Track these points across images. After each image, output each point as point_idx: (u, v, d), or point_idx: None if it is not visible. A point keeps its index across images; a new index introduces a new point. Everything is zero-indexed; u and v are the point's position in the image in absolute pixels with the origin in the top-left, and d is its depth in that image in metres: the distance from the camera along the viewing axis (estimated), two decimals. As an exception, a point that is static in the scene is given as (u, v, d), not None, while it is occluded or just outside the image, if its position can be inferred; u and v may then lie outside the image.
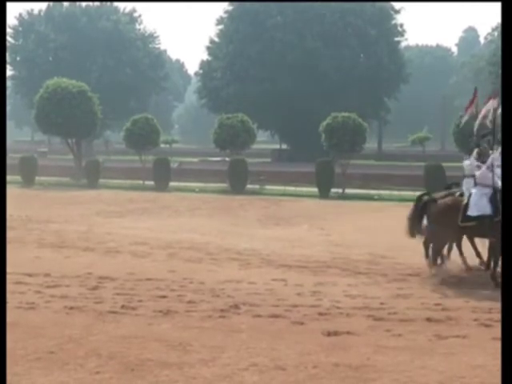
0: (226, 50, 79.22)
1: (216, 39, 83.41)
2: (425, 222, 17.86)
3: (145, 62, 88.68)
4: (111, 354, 11.19)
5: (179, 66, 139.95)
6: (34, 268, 17.67)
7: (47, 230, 25.08)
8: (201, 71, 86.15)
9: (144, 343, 11.66)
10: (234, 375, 10.28)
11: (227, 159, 47.56)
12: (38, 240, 22.64)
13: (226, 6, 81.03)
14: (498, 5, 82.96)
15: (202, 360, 10.91)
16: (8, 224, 19.90)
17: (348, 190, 39.88)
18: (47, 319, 13.03)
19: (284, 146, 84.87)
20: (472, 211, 16.46)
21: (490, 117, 18.02)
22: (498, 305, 14.29)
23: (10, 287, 14.54)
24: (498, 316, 13.45)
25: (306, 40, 73.33)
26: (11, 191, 33.80)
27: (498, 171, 16.07)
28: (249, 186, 42.09)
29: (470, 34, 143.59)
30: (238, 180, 41.66)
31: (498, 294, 15.23)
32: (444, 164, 38.57)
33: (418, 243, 22.12)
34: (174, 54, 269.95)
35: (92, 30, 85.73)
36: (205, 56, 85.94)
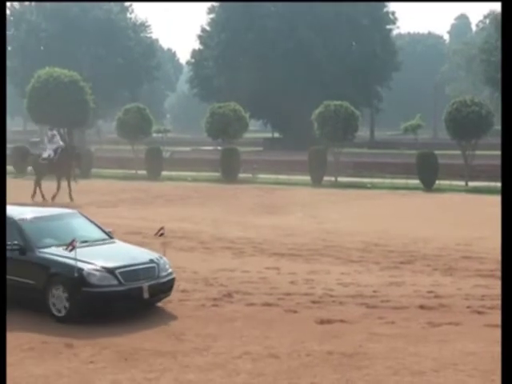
0: (217, 39, 78.98)
1: (208, 28, 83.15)
2: None
3: (136, 51, 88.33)
4: (105, 343, 11.21)
5: (171, 55, 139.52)
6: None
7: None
8: (192, 60, 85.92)
9: (138, 332, 11.68)
10: (227, 363, 10.30)
11: (219, 148, 47.48)
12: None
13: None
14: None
15: (195, 349, 10.93)
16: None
17: (340, 179, 39.89)
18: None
19: (276, 135, 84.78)
20: None
21: None
22: (490, 292, 14.35)
23: None
24: (491, 303, 13.50)
25: (298, 29, 73.16)
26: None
27: None
28: (241, 175, 42.05)
29: (462, 21, 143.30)
30: (230, 169, 41.61)
31: (490, 281, 15.31)
32: (436, 152, 38.59)
33: (409, 231, 22.22)
34: (165, 43, 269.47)
35: (83, 20, 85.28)
36: (196, 45, 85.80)
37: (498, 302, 13.35)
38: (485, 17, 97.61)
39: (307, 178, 39.60)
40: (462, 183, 37.00)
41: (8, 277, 12.10)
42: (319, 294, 14.22)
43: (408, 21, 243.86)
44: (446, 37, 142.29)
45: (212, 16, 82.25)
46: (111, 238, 14.18)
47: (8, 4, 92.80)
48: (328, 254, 18.48)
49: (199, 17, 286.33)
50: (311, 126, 42.68)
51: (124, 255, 13.24)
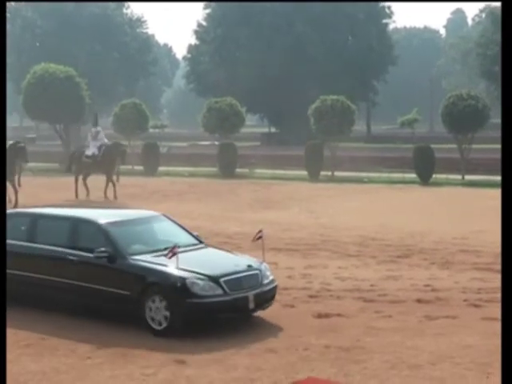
0: (214, 34, 78.91)
1: (204, 23, 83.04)
2: None
3: (132, 47, 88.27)
4: (102, 340, 11.21)
5: (167, 51, 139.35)
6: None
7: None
8: (189, 55, 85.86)
9: (134, 329, 11.67)
10: (225, 359, 10.31)
11: (216, 143, 47.47)
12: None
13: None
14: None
15: (192, 344, 10.93)
16: None
17: (337, 173, 39.89)
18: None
19: (273, 130, 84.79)
20: None
21: None
22: (487, 285, 14.37)
23: None
24: (488, 296, 13.53)
25: (295, 23, 73.11)
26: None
27: None
28: (238, 170, 42.02)
29: (458, 15, 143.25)
30: (227, 164, 41.58)
31: (487, 275, 15.33)
32: (433, 145, 38.59)
33: (406, 225, 22.24)
34: (161, 38, 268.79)
35: (79, 16, 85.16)
36: (193, 40, 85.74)
37: (495, 295, 13.39)
38: (481, 11, 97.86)
39: (304, 172, 39.60)
40: (459, 177, 37.03)
41: (96, 286, 11.76)
42: (316, 288, 14.24)
43: (404, 15, 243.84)
44: (442, 31, 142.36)
45: (208, 11, 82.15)
46: (201, 242, 13.17)
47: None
48: (325, 249, 18.50)
49: (195, 12, 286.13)
50: (308, 121, 42.67)
51: (224, 262, 12.29)
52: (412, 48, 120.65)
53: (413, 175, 36.48)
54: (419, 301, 13.31)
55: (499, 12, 60.65)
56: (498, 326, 11.25)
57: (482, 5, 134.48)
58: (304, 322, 12.02)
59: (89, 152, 31.21)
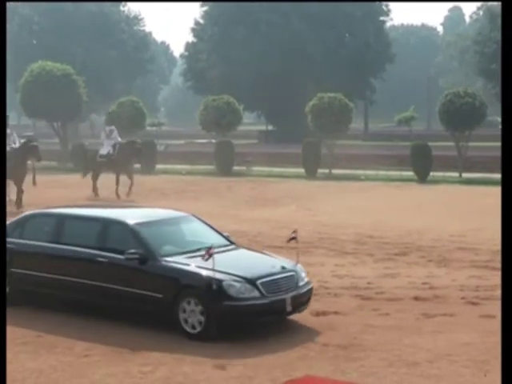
0: (211, 32, 78.80)
1: (201, 21, 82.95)
2: None
3: (130, 45, 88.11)
4: (100, 337, 11.20)
5: (164, 49, 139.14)
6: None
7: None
8: (186, 53, 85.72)
9: (132, 327, 11.67)
10: (223, 356, 10.30)
11: (214, 141, 47.42)
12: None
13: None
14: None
15: (191, 342, 10.93)
16: None
17: (335, 171, 39.86)
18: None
19: (270, 128, 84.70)
20: None
21: None
22: (484, 283, 14.38)
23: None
24: (485, 294, 13.53)
25: (292, 21, 73.05)
26: None
27: None
28: (236, 168, 42.00)
29: (455, 13, 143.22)
30: (224, 162, 41.55)
31: (484, 272, 15.34)
32: (430, 143, 38.59)
33: (403, 223, 22.25)
34: (159, 36, 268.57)
35: (76, 13, 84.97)
36: (190, 38, 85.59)
37: (493, 293, 13.41)
38: (478, 8, 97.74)
39: (301, 170, 39.60)
40: (456, 174, 37.04)
41: (125, 289, 11.49)
42: (314, 286, 14.20)
43: (401, 12, 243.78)
44: (440, 28, 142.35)
45: (205, 9, 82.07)
46: (232, 243, 12.91)
47: None
48: (322, 246, 18.50)
49: (193, 10, 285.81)
50: (305, 119, 42.63)
51: (259, 263, 11.99)
52: (409, 46, 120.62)
53: (410, 173, 36.47)
54: (417, 298, 13.32)
55: (496, 10, 60.67)
56: (495, 324, 11.28)
57: (479, 2, 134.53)
58: (302, 320, 12.01)
59: (103, 151, 30.79)
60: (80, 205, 19.18)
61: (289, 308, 11.37)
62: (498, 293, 12.97)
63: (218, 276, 10.95)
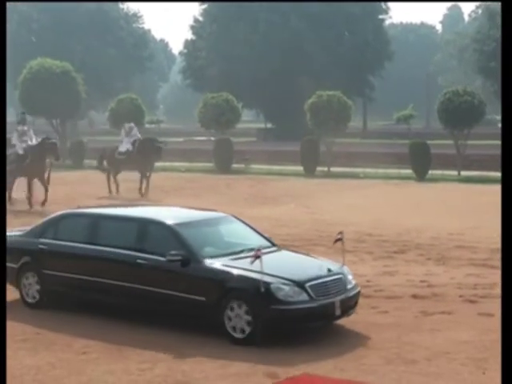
0: (210, 30, 78.79)
1: (200, 18, 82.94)
2: None
3: (129, 42, 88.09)
4: (98, 335, 11.21)
5: (163, 46, 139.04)
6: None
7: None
8: (185, 51, 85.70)
9: (131, 324, 11.68)
10: (223, 356, 10.29)
11: (213, 139, 47.41)
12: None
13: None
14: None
15: (190, 340, 10.92)
16: None
17: (333, 169, 39.85)
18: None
19: (269, 125, 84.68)
20: None
21: None
22: (482, 281, 14.39)
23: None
24: (483, 292, 13.54)
25: (290, 19, 73.04)
26: None
27: None
28: (234, 166, 41.98)
29: (454, 11, 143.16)
30: (223, 159, 41.55)
31: (483, 270, 15.35)
32: (429, 141, 38.58)
33: (402, 221, 22.26)
34: (158, 33, 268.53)
35: (75, 10, 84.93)
36: (189, 35, 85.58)
37: (491, 291, 13.43)
38: (477, 7, 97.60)
39: (300, 168, 39.59)
40: (455, 173, 37.03)
41: (166, 292, 11.10)
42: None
43: (400, 10, 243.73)
44: (439, 27, 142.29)
45: (204, 7, 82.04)
46: (274, 244, 12.41)
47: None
48: (321, 244, 18.47)
49: (192, 7, 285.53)
50: (304, 116, 42.62)
51: (306, 265, 11.57)
52: (408, 44, 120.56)
53: (409, 171, 36.46)
54: (415, 296, 13.33)
55: (495, 8, 60.64)
56: (493, 322, 11.30)
57: (478, 2, 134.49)
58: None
59: (122, 148, 30.51)
60: (114, 204, 19.13)
61: (338, 312, 11.01)
62: (496, 291, 13.01)
63: (266, 279, 10.54)
